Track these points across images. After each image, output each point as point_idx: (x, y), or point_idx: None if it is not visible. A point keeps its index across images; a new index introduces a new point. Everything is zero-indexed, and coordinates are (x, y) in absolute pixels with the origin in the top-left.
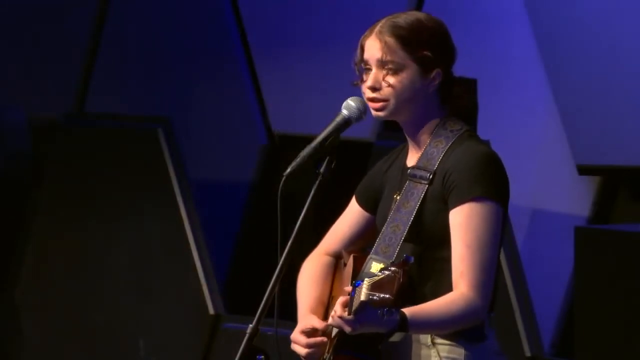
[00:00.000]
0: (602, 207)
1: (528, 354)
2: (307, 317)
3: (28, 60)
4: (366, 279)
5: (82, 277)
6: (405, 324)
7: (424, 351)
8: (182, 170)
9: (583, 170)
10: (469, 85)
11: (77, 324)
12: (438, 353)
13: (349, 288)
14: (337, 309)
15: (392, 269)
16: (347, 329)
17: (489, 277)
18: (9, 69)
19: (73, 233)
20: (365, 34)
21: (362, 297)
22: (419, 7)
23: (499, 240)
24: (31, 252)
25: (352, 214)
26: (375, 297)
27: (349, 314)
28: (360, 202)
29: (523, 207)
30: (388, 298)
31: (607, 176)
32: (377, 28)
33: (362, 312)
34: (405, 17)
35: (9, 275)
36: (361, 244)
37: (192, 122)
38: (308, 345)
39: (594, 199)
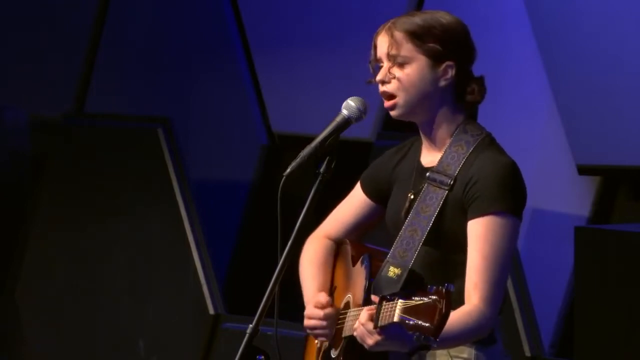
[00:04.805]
0: (602, 207)
1: (528, 354)
2: (320, 295)
3: (28, 60)
4: (400, 300)
5: (82, 277)
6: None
7: (437, 350)
8: (182, 170)
9: (583, 170)
10: (483, 81)
11: (77, 324)
12: (449, 353)
13: (375, 298)
14: (364, 320)
15: (433, 297)
16: (370, 342)
17: (501, 291)
18: (9, 69)
19: (73, 233)
20: (377, 31)
21: (395, 319)
22: (419, 7)
23: (512, 253)
24: (31, 252)
25: (357, 202)
26: (410, 322)
27: (374, 327)
28: (366, 191)
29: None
30: (428, 327)
31: (607, 176)
32: (389, 24)
33: (391, 329)
34: (421, 14)
35: (9, 275)
36: (363, 232)
37: (192, 122)
38: (325, 317)
39: (594, 199)
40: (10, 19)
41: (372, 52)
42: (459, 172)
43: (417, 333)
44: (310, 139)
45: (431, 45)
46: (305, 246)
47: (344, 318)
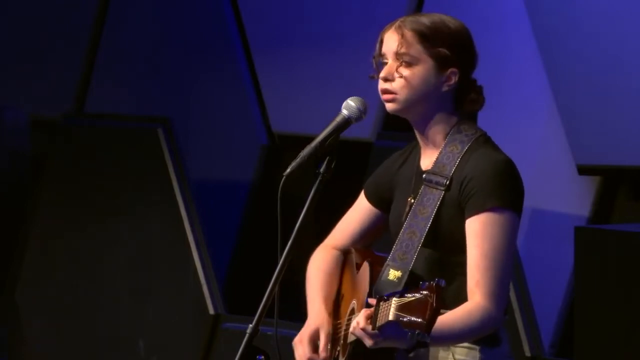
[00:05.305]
0: (602, 207)
1: (528, 354)
2: (321, 322)
3: (28, 60)
4: (394, 298)
5: (82, 277)
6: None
7: (440, 353)
8: (182, 170)
9: (583, 170)
10: (482, 90)
11: (77, 324)
12: (453, 356)
13: (373, 300)
14: (361, 321)
15: (425, 292)
16: (369, 342)
17: (504, 287)
18: (9, 69)
19: (73, 233)
20: (385, 27)
21: (391, 317)
22: (419, 7)
23: (513, 249)
24: (31, 252)
25: (362, 210)
26: (404, 319)
27: (373, 329)
28: (369, 199)
29: (523, 207)
30: (420, 322)
31: (607, 176)
32: (398, 22)
33: (388, 328)
34: (429, 15)
35: (9, 275)
36: (370, 240)
37: (192, 122)
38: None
39: (594, 199)
40: (10, 19)
41: (377, 46)
42: (454, 171)
43: (412, 331)
44: (310, 139)
45: (440, 49)
46: (313, 256)
47: (349, 324)
